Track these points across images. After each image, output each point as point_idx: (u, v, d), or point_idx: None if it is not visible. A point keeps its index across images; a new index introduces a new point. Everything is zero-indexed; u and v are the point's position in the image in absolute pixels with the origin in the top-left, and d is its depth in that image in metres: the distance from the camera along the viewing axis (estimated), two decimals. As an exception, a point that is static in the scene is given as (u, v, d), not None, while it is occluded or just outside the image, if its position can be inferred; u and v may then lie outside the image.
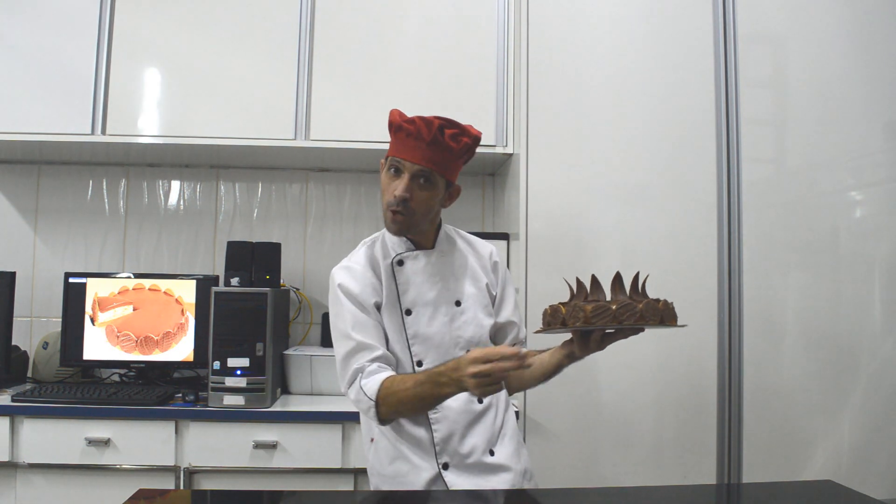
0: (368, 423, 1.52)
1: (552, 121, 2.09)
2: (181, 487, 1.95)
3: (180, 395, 2.08)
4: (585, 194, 2.09)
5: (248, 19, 2.24)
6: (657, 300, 1.23)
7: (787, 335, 2.09)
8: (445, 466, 1.40)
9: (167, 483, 1.95)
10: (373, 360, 1.37)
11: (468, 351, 1.45)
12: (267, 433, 1.96)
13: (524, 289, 2.01)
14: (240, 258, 2.19)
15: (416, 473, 1.40)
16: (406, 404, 1.31)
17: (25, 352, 2.39)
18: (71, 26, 2.20)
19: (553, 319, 1.27)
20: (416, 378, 1.30)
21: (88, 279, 2.29)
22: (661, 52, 2.13)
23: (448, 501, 1.35)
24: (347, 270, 1.46)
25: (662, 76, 2.12)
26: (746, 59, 2.13)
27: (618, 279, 1.27)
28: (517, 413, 1.87)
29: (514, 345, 1.56)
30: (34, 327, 2.48)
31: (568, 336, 1.34)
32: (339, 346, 1.41)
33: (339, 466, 1.97)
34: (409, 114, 1.44)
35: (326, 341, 2.48)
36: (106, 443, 1.94)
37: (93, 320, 2.28)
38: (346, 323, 1.40)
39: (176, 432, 1.96)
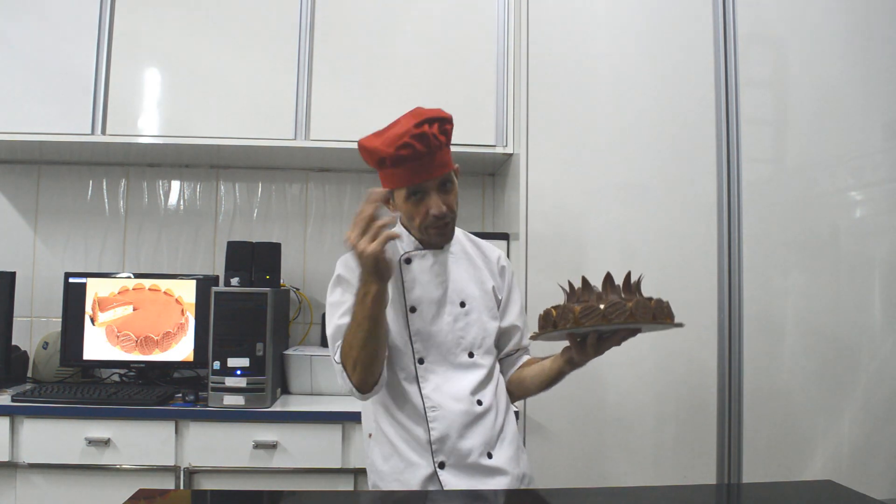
0: (367, 419, 1.52)
1: (552, 121, 2.09)
2: (181, 487, 1.95)
3: (180, 395, 2.08)
4: (585, 194, 2.09)
5: (249, 19, 2.24)
6: (649, 298, 1.21)
7: (787, 335, 2.09)
8: (441, 465, 1.39)
9: (167, 483, 1.95)
10: None
11: (470, 354, 1.46)
12: (267, 433, 1.96)
13: (524, 289, 2.01)
14: (240, 258, 2.19)
15: (412, 471, 1.40)
16: (353, 343, 1.29)
17: (25, 352, 2.39)
18: (71, 26, 2.20)
19: (545, 323, 1.26)
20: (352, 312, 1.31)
21: (88, 279, 2.29)
22: (661, 52, 2.13)
23: (447, 501, 1.35)
24: (347, 262, 1.46)
25: (662, 76, 2.12)
26: (746, 59, 2.13)
27: (608, 279, 1.25)
28: (517, 413, 1.87)
29: (517, 350, 1.56)
30: (34, 327, 2.48)
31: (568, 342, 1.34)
32: (328, 332, 1.44)
33: (339, 466, 1.97)
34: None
35: (326, 341, 2.48)
36: (106, 443, 1.94)
37: (93, 320, 2.28)
38: (336, 311, 1.42)
39: (176, 432, 1.96)
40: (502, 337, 1.54)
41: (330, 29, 2.24)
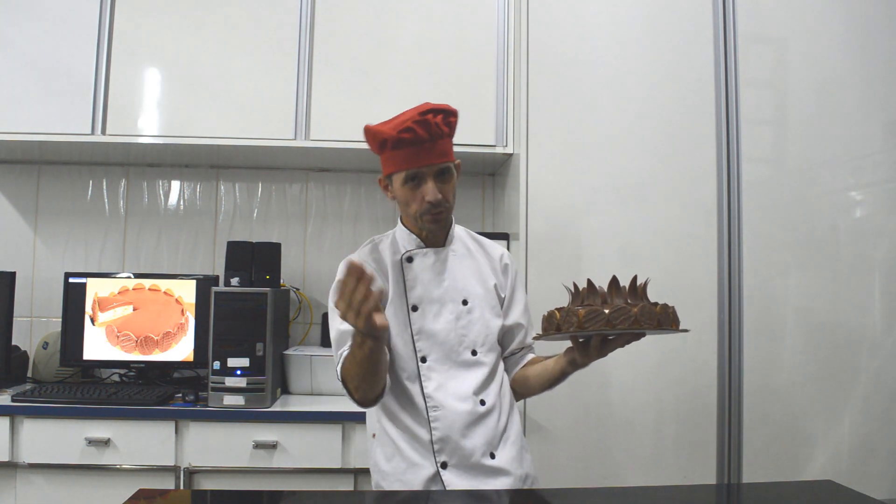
0: (371, 419, 1.52)
1: (552, 121, 2.09)
2: (181, 487, 1.95)
3: (180, 395, 2.08)
4: (585, 194, 2.09)
5: (249, 19, 2.24)
6: (654, 304, 1.20)
7: (787, 335, 2.09)
8: (444, 465, 1.39)
9: (167, 483, 1.95)
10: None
11: (473, 351, 1.45)
12: (267, 433, 1.96)
13: (524, 289, 2.01)
14: (240, 258, 2.19)
15: (415, 471, 1.40)
16: (353, 374, 1.31)
17: (25, 352, 2.39)
18: (71, 26, 2.20)
19: (548, 325, 1.25)
20: (352, 347, 1.31)
21: (88, 279, 2.29)
22: (661, 51, 2.13)
23: (447, 501, 1.35)
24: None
25: (662, 76, 2.12)
26: (746, 59, 2.13)
27: (614, 283, 1.24)
28: (517, 413, 1.87)
29: (521, 349, 1.56)
30: (34, 327, 2.48)
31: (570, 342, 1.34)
32: (332, 336, 1.43)
33: (339, 466, 1.97)
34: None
35: (326, 341, 2.48)
36: (106, 443, 1.94)
37: (93, 320, 2.28)
38: (336, 315, 1.41)
39: (176, 432, 1.96)
40: (506, 335, 1.53)
41: (330, 29, 2.24)
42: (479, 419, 1.42)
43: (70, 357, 2.26)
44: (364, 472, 1.96)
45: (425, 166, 1.38)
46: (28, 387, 2.18)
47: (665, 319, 1.19)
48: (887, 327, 2.10)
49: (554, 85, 2.11)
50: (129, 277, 2.31)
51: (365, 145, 2.18)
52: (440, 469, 1.39)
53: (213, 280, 2.31)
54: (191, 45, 2.24)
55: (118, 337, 2.27)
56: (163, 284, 2.30)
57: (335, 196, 2.63)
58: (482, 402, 1.44)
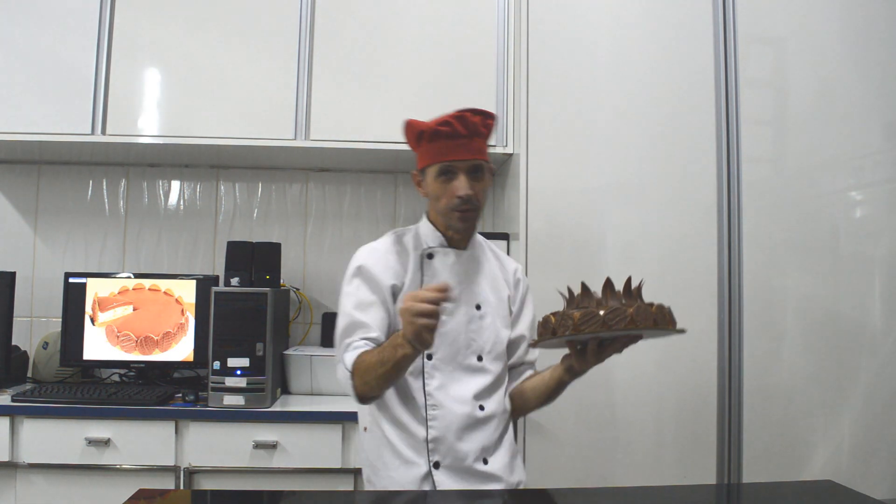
0: (363, 412, 1.52)
1: (552, 121, 2.09)
2: (181, 487, 1.95)
3: (180, 395, 2.08)
4: (585, 194, 2.09)
5: (249, 19, 2.24)
6: (650, 304, 1.19)
7: (787, 335, 2.09)
8: (436, 465, 1.39)
9: (167, 483, 1.95)
10: (364, 339, 1.37)
11: (479, 357, 1.45)
12: (267, 433, 1.96)
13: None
14: (240, 258, 2.19)
15: (406, 469, 1.40)
16: (371, 371, 1.30)
17: (25, 352, 2.39)
18: (71, 26, 2.20)
19: (544, 330, 1.23)
20: (383, 344, 1.31)
21: (88, 279, 2.29)
22: (661, 51, 2.13)
23: (447, 501, 1.35)
24: (370, 251, 1.48)
25: (662, 76, 2.12)
26: (746, 59, 2.12)
27: (608, 285, 1.23)
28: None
29: (522, 363, 1.55)
30: (34, 327, 2.48)
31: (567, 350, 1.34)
32: (339, 323, 1.43)
33: (339, 466, 1.97)
34: (412, 114, 1.44)
35: (326, 341, 2.48)
36: (106, 443, 1.94)
37: (93, 320, 2.28)
38: (351, 301, 1.42)
39: (176, 432, 1.96)
40: (510, 347, 1.53)
41: (330, 29, 2.24)
42: (476, 423, 1.42)
43: (70, 357, 2.27)
44: (364, 472, 1.96)
45: (459, 160, 1.39)
46: (28, 387, 2.18)
47: (661, 319, 1.17)
48: (887, 327, 2.10)
49: (554, 85, 2.10)
50: (129, 277, 2.31)
51: (365, 145, 2.22)
52: (432, 468, 1.39)
53: (213, 280, 2.31)
54: (191, 45, 2.24)
55: (118, 337, 2.27)
56: (163, 284, 2.30)
57: (335, 196, 2.63)
58: (482, 408, 1.44)
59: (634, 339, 1.24)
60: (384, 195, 2.62)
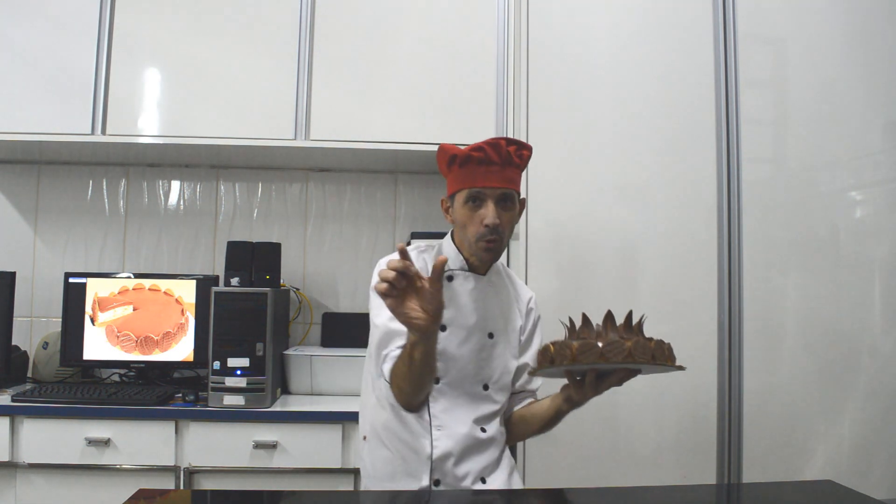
0: (365, 421, 1.52)
1: (552, 121, 2.09)
2: (181, 487, 1.95)
3: (180, 395, 2.08)
4: (585, 194, 2.09)
5: (249, 19, 2.24)
6: (649, 339, 1.20)
7: (787, 335, 2.09)
8: (437, 483, 1.40)
9: (167, 483, 1.95)
10: (401, 347, 1.34)
11: (486, 386, 1.45)
12: (267, 433, 1.96)
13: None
14: (240, 258, 2.19)
15: (407, 483, 1.40)
16: (399, 375, 1.30)
17: (25, 352, 2.39)
18: (71, 26, 2.20)
19: (543, 358, 1.25)
20: None
21: (88, 279, 2.29)
22: (661, 51, 2.13)
23: (447, 502, 1.35)
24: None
25: (662, 76, 2.12)
26: (746, 59, 2.13)
27: (609, 318, 1.25)
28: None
29: (521, 391, 1.55)
30: (34, 327, 2.48)
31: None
32: (374, 337, 1.41)
33: (339, 466, 1.97)
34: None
35: (326, 341, 2.48)
36: (106, 443, 1.94)
37: (93, 320, 2.28)
38: (383, 312, 1.37)
39: (176, 432, 1.96)
40: (515, 374, 1.52)
41: (330, 29, 2.24)
42: (478, 445, 1.43)
43: (70, 357, 2.26)
44: (364, 472, 1.96)
45: (489, 188, 1.37)
46: (28, 387, 2.18)
47: (660, 354, 1.19)
48: (887, 327, 2.10)
49: (554, 85, 2.11)
50: (129, 277, 2.31)
51: (365, 145, 2.22)
52: (433, 487, 1.40)
53: (213, 280, 2.31)
54: (191, 45, 2.24)
55: (118, 337, 2.27)
56: (163, 284, 2.30)
57: (335, 196, 2.63)
58: (483, 430, 1.44)
59: (633, 372, 1.24)
60: (384, 195, 2.62)
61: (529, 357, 1.54)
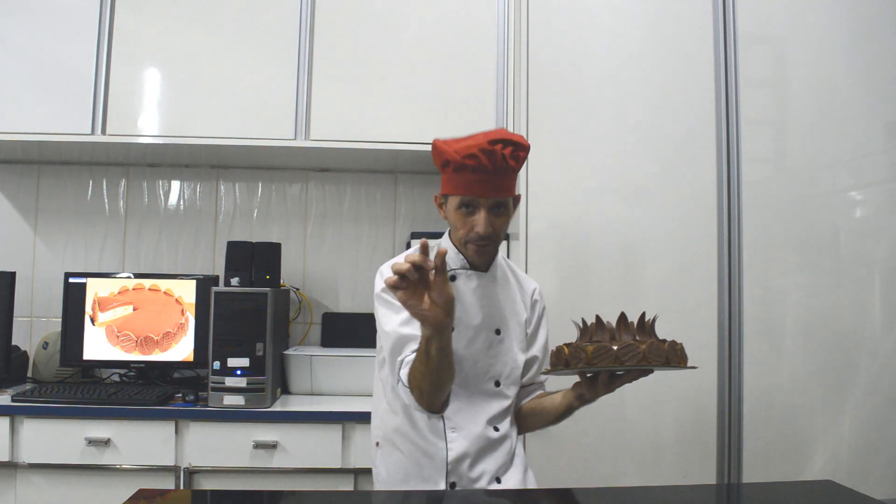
0: (376, 427, 1.51)
1: (552, 121, 2.09)
2: (181, 487, 1.95)
3: (180, 395, 2.08)
4: (585, 194, 2.09)
5: (248, 19, 2.24)
6: (662, 341, 1.21)
7: (787, 335, 2.09)
8: (453, 486, 1.40)
9: (167, 483, 1.95)
10: (415, 351, 1.32)
11: (497, 383, 1.45)
12: (267, 433, 1.96)
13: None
14: (240, 258, 2.19)
15: (423, 488, 1.40)
16: (417, 375, 1.28)
17: (25, 352, 2.39)
18: (71, 26, 2.20)
19: (557, 360, 1.27)
20: None
21: (88, 279, 2.29)
22: (662, 51, 2.13)
23: (448, 502, 1.35)
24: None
25: (662, 76, 2.12)
26: (746, 59, 2.12)
27: (622, 319, 1.26)
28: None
29: (531, 384, 1.55)
30: (34, 327, 2.48)
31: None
32: (386, 344, 1.39)
33: (339, 466, 1.97)
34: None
35: (326, 341, 2.48)
36: (106, 443, 1.94)
37: (93, 320, 2.27)
38: (392, 319, 1.38)
39: (176, 432, 1.96)
40: (523, 368, 1.52)
41: (330, 29, 2.24)
42: (492, 445, 1.43)
43: (70, 357, 2.26)
44: (364, 472, 1.96)
45: (482, 197, 1.36)
46: (28, 387, 2.18)
47: (673, 356, 1.21)
48: (887, 327, 2.10)
49: (554, 85, 2.10)
50: (129, 277, 2.31)
51: (365, 145, 2.22)
52: (449, 490, 1.39)
53: (213, 280, 2.31)
54: (191, 45, 2.24)
55: (118, 337, 2.27)
56: (163, 284, 2.30)
57: (335, 196, 2.62)
58: (496, 429, 1.44)
59: (646, 372, 1.25)
60: (384, 195, 2.62)
61: (537, 349, 1.53)
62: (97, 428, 1.95)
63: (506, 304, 1.49)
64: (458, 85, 2.23)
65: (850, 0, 2.17)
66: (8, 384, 2.20)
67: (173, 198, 2.60)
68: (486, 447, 1.42)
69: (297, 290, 2.55)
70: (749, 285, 2.07)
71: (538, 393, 1.55)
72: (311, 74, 2.22)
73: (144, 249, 2.57)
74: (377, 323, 1.43)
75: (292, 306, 2.53)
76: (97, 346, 2.27)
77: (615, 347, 1.19)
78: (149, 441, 1.95)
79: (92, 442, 1.93)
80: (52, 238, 2.55)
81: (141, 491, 1.30)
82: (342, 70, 2.23)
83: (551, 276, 2.02)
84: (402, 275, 1.13)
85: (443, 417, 1.40)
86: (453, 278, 1.45)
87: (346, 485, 1.98)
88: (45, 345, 2.31)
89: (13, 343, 2.30)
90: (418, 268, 1.13)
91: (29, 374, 2.35)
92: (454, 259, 1.46)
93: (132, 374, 2.31)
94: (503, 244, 2.16)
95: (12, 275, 2.28)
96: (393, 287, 1.14)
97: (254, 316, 2.03)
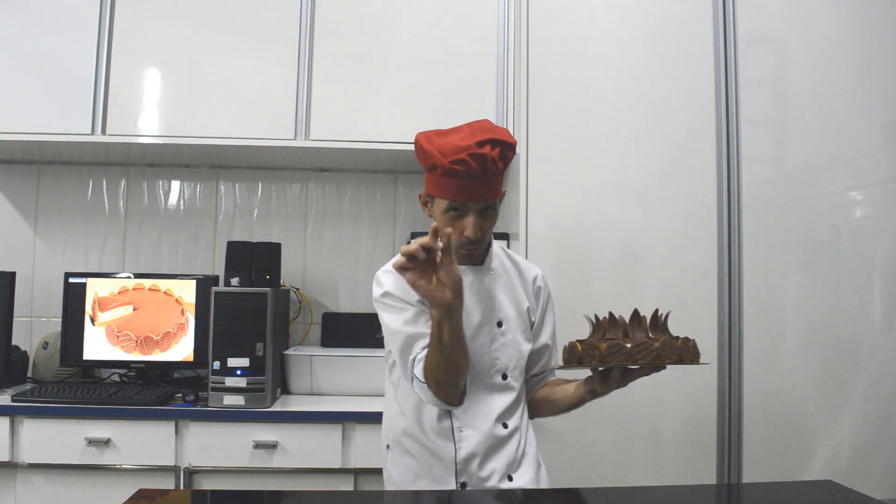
0: (386, 429, 1.51)
1: (552, 121, 2.09)
2: (181, 487, 1.95)
3: (180, 395, 2.08)
4: (585, 194, 2.09)
5: (248, 19, 2.24)
6: (675, 338, 1.22)
7: (787, 335, 2.09)
8: (463, 486, 1.40)
9: (167, 483, 1.95)
10: (426, 347, 1.32)
11: (504, 375, 1.44)
12: (267, 433, 1.96)
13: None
14: (240, 258, 2.19)
15: (435, 487, 1.39)
16: (432, 367, 1.28)
17: (25, 352, 2.39)
18: (71, 26, 2.20)
19: (570, 357, 1.27)
20: None
21: (88, 279, 2.29)
22: (662, 52, 2.13)
23: (454, 502, 1.35)
24: (389, 274, 1.42)
25: (663, 76, 2.12)
26: (746, 59, 2.13)
27: (635, 316, 1.27)
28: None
29: (542, 372, 1.54)
30: (34, 327, 2.48)
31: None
32: (394, 345, 1.38)
33: (339, 466, 1.97)
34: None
35: (326, 341, 2.48)
36: (106, 443, 1.94)
37: (93, 320, 2.27)
38: (396, 321, 1.38)
39: (176, 432, 1.96)
40: (532, 356, 1.51)
41: (330, 29, 2.24)
42: (500, 442, 1.42)
43: (70, 357, 2.26)
44: (364, 472, 1.96)
45: (471, 202, 1.34)
46: (28, 387, 2.18)
47: (686, 354, 1.22)
48: (887, 327, 2.10)
49: (554, 85, 2.11)
50: (129, 277, 2.31)
51: (365, 145, 2.22)
52: (459, 489, 1.39)
53: (213, 280, 2.31)
54: (191, 45, 2.24)
55: (118, 337, 2.27)
56: (163, 284, 2.30)
57: (335, 196, 2.63)
58: (505, 426, 1.43)
59: (658, 368, 1.26)
60: (384, 195, 2.62)
61: (546, 337, 1.52)
62: (97, 428, 1.95)
63: (506, 296, 1.48)
64: (459, 85, 2.23)
65: (850, 0, 2.17)
66: (8, 384, 2.20)
67: (173, 198, 2.60)
68: (495, 445, 1.41)
69: (297, 290, 2.55)
70: (749, 285, 2.07)
71: (551, 380, 1.55)
72: (310, 74, 2.22)
73: (144, 249, 2.57)
74: (383, 327, 1.42)
75: (292, 306, 2.53)
76: (97, 346, 2.27)
77: (629, 345, 1.20)
78: (149, 441, 1.95)
79: (92, 442, 1.93)
80: (52, 238, 2.55)
81: (141, 491, 1.30)
82: (342, 70, 2.23)
83: (551, 276, 2.02)
84: (410, 255, 1.14)
85: (451, 417, 1.40)
86: None
87: (346, 485, 1.98)
88: (45, 345, 2.31)
89: (13, 343, 2.30)
90: (426, 249, 1.15)
91: (29, 374, 2.35)
92: None
93: (132, 374, 2.31)
94: (504, 242, 2.16)
95: (12, 275, 2.28)
96: (401, 269, 1.16)
97: (254, 316, 2.03)
